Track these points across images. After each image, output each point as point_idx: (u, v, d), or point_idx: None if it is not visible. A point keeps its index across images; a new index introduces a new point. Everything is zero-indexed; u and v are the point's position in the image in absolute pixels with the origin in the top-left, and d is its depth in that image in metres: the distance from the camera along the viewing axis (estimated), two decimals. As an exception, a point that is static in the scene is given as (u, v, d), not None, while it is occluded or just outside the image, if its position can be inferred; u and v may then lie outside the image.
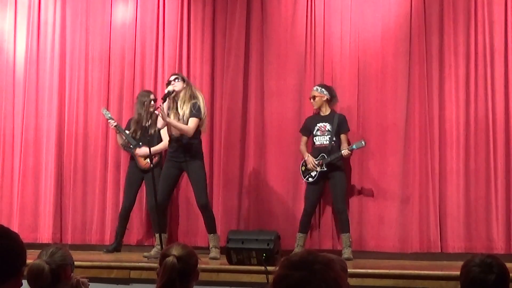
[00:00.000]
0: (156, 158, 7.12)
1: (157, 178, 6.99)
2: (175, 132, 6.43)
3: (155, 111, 6.77)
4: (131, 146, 7.22)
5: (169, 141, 6.58)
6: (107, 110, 7.43)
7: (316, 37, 7.36)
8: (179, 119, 6.36)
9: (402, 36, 7.08)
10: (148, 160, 7.04)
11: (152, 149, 6.78)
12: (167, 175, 6.49)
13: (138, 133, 7.20)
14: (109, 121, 7.27)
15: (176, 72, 7.28)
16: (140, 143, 7.16)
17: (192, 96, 6.42)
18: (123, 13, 7.96)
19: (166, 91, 6.36)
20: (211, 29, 7.67)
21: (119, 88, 7.82)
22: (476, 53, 6.89)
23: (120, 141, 7.32)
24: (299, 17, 7.43)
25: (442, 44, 6.99)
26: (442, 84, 6.96)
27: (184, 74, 7.58)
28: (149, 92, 7.33)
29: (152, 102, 7.19)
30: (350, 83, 7.18)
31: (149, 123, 7.08)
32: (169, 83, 6.45)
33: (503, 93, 6.76)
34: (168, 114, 6.32)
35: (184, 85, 6.43)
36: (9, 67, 8.12)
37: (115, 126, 7.23)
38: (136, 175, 7.23)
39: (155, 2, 7.84)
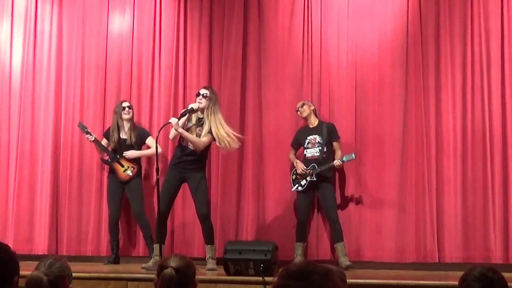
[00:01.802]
0: (135, 168, 7.22)
1: (137, 188, 7.21)
2: (185, 143, 6.45)
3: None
4: (108, 160, 7.27)
5: (176, 150, 6.59)
6: (84, 124, 7.44)
7: (313, 48, 7.38)
8: (196, 134, 6.42)
9: (399, 47, 7.11)
10: (127, 171, 7.18)
11: (139, 152, 7.22)
12: (168, 187, 6.49)
13: (115, 143, 7.26)
14: (86, 136, 7.29)
15: (172, 80, 7.30)
16: (118, 156, 7.23)
17: (215, 114, 6.45)
18: (119, 24, 7.97)
19: (189, 107, 6.37)
20: (208, 40, 7.68)
21: (116, 99, 7.80)
22: (472, 63, 6.91)
23: (100, 154, 7.38)
24: (296, 28, 7.45)
25: (439, 55, 7.02)
26: (438, 94, 6.98)
27: (181, 85, 7.63)
28: (122, 101, 7.42)
29: (127, 109, 7.29)
30: (347, 94, 7.20)
31: (128, 129, 7.26)
32: (198, 94, 6.48)
33: (500, 103, 6.79)
34: (186, 126, 6.38)
35: (210, 103, 6.45)
36: (5, 78, 8.10)
37: (93, 140, 7.26)
38: (117, 186, 7.28)
39: (152, 12, 7.85)
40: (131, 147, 7.25)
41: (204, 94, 6.46)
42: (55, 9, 8.13)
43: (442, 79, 6.98)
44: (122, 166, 7.22)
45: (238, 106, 7.50)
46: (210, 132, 6.39)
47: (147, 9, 7.88)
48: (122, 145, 7.25)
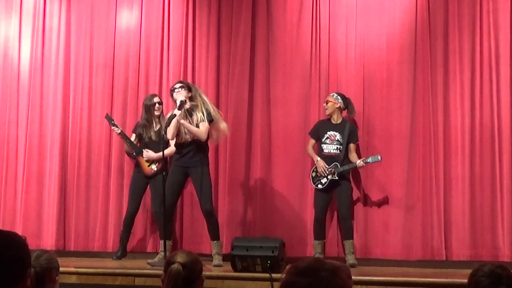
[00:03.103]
0: (160, 164, 7.12)
1: (161, 186, 7.03)
2: (184, 139, 6.44)
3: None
4: (134, 153, 7.23)
5: (176, 147, 6.58)
6: (111, 116, 7.39)
7: (321, 45, 7.36)
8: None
9: (407, 44, 7.09)
10: (152, 166, 7.10)
11: (159, 154, 6.80)
12: (172, 181, 6.50)
13: (146, 138, 7.20)
14: (112, 128, 7.24)
15: (181, 79, 7.31)
16: (147, 149, 7.17)
17: (203, 102, 6.45)
18: (127, 20, 7.98)
19: (179, 102, 6.32)
20: (216, 36, 7.67)
21: (123, 94, 7.83)
22: (481, 59, 6.88)
23: (126, 148, 7.33)
24: (305, 25, 7.44)
25: (447, 51, 6.99)
26: (447, 91, 6.95)
27: (189, 81, 7.60)
28: (153, 96, 7.34)
29: (157, 105, 7.20)
30: (355, 91, 7.18)
31: (157, 127, 7.13)
32: (173, 90, 6.45)
33: (509, 100, 6.75)
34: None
35: (191, 93, 6.45)
36: (14, 74, 8.14)
37: (119, 133, 7.22)
38: (141, 181, 7.23)
39: (160, 8, 7.85)
40: (157, 143, 7.15)
41: (178, 87, 6.44)
42: (63, 5, 8.15)
43: (451, 76, 6.96)
44: (147, 160, 7.20)
45: (246, 102, 7.50)
46: (205, 117, 6.36)
47: (155, 5, 7.88)
48: (149, 141, 7.18)
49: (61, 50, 8.06)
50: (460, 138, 6.84)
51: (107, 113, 7.46)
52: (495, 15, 6.88)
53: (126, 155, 7.51)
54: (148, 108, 7.20)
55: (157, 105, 7.21)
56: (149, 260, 6.43)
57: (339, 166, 6.74)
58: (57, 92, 7.99)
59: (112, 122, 7.24)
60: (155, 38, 7.85)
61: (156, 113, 7.19)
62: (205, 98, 6.54)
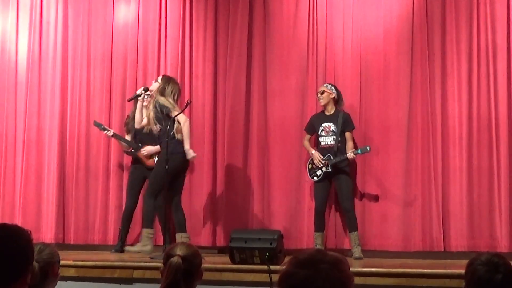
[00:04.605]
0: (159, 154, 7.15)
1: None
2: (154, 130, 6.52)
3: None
4: (132, 150, 7.24)
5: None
6: (98, 121, 7.40)
7: (318, 36, 7.36)
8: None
9: (404, 35, 7.09)
10: (154, 158, 7.07)
11: (156, 148, 6.89)
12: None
13: (137, 130, 7.18)
14: (104, 132, 7.28)
15: (179, 72, 7.35)
16: (140, 145, 7.17)
17: (160, 95, 6.47)
18: (125, 13, 7.96)
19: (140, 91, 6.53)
20: (213, 28, 7.67)
21: (122, 88, 7.82)
22: (478, 51, 6.88)
23: (124, 147, 7.37)
24: (301, 16, 7.43)
25: (444, 43, 6.99)
26: (444, 83, 6.96)
27: (187, 74, 7.65)
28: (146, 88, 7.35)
29: (145, 96, 7.18)
30: (352, 82, 7.18)
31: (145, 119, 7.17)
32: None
33: (506, 91, 6.76)
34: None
35: (159, 85, 6.50)
36: (11, 68, 8.12)
37: (112, 135, 7.24)
38: (139, 177, 7.21)
39: (157, 1, 7.84)
40: (149, 134, 7.11)
41: (155, 80, 6.61)
42: (61, -2, 8.14)
43: (448, 66, 6.96)
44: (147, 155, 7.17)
45: (243, 94, 7.50)
46: (168, 112, 6.37)
47: (152, -2, 7.88)
48: (142, 133, 7.09)
49: (58, 44, 8.04)
50: (457, 128, 6.85)
51: (94, 120, 7.50)
52: (492, 6, 6.88)
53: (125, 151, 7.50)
54: (136, 100, 7.19)
55: (145, 96, 7.20)
56: (153, 254, 6.45)
57: (332, 158, 6.75)
58: (55, 85, 7.98)
59: (102, 127, 7.29)
60: (152, 31, 7.84)
61: (144, 103, 7.18)
62: (162, 95, 6.48)
